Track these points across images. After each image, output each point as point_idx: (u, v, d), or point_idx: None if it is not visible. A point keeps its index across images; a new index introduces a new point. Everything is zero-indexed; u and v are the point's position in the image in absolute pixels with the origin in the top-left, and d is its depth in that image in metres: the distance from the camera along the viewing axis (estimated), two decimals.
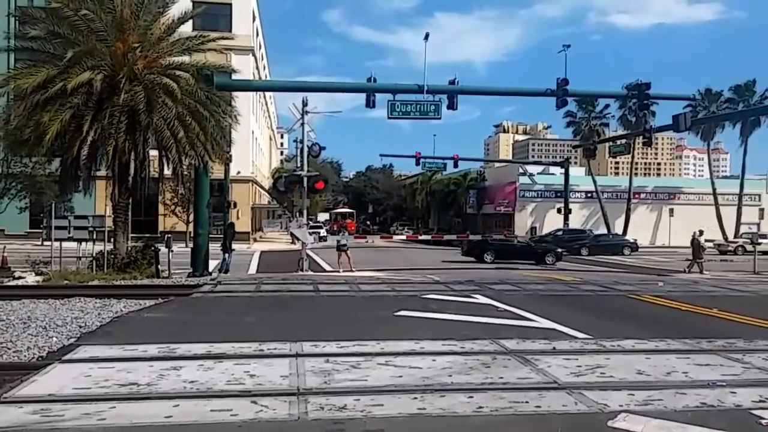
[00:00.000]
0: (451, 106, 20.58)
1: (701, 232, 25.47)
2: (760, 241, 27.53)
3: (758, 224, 49.35)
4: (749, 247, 31.81)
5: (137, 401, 5.78)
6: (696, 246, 24.85)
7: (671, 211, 49.12)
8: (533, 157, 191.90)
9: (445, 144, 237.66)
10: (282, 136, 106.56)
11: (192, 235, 24.21)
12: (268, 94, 65.30)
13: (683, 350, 8.44)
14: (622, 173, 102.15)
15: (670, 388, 6.44)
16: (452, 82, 20.79)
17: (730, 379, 6.83)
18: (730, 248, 40.08)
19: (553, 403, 5.87)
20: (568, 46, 22.94)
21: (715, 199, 51.79)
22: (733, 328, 10.80)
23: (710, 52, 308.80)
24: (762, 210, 50.26)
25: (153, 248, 19.75)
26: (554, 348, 8.48)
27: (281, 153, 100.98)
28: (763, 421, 5.44)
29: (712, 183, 54.06)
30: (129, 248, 19.94)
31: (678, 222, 47.28)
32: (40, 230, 22.75)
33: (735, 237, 46.49)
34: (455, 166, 55.71)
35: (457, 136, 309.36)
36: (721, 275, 23.39)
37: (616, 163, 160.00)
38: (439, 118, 20.94)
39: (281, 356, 7.70)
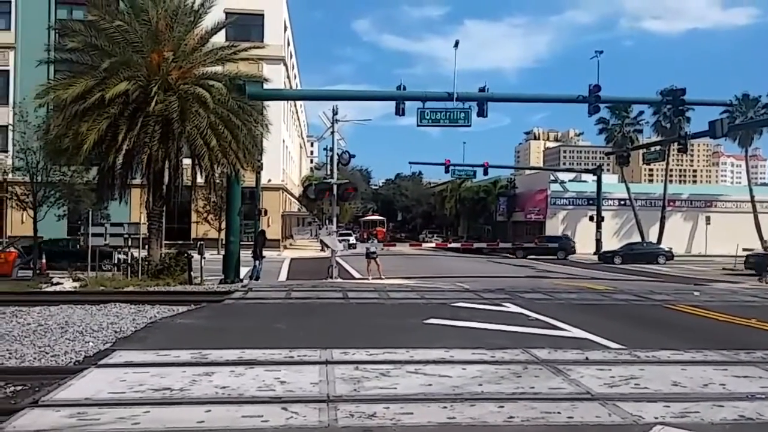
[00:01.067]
0: (481, 113, 20.52)
1: None
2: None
3: None
4: None
5: (170, 406, 5.87)
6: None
7: (707, 219, 47.90)
8: (565, 164, 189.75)
9: (475, 151, 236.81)
10: (312, 145, 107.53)
11: (224, 242, 24.53)
12: (298, 102, 66.01)
13: (720, 361, 8.22)
14: (657, 180, 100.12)
15: (707, 400, 6.27)
16: (482, 90, 20.74)
17: None
18: None
19: (586, 414, 5.77)
20: (601, 52, 22.67)
21: (754, 207, 50.40)
22: None
23: (746, 56, 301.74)
24: None
25: (186, 255, 20.07)
26: (587, 358, 8.34)
27: (311, 161, 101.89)
28: None
29: (750, 190, 52.61)
30: (163, 255, 20.30)
31: (714, 230, 46.10)
32: (78, 237, 23.27)
33: None
34: (485, 173, 55.44)
35: (487, 144, 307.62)
36: (759, 285, 22.71)
37: (650, 170, 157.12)
38: (469, 126, 20.90)
39: (311, 363, 7.74)
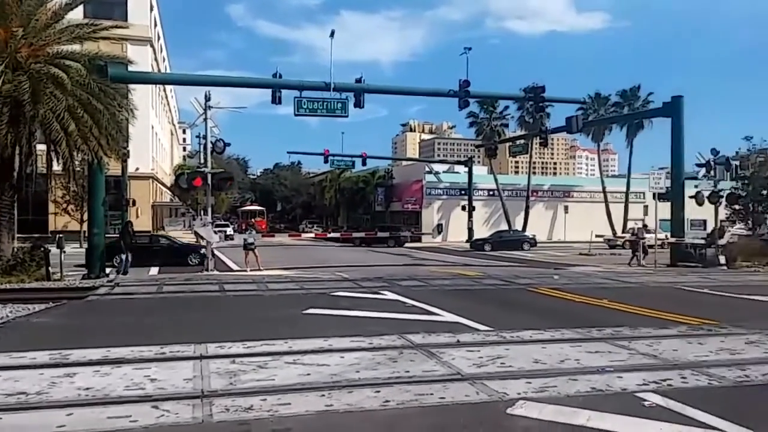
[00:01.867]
0: (358, 104, 20.74)
1: (645, 226, 27.49)
2: (645, 235, 29.62)
3: (642, 220, 53.27)
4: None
5: (26, 411, 5.42)
6: (635, 239, 26.66)
7: (566, 208, 51.94)
8: (439, 155, 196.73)
9: (354, 142, 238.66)
10: (185, 132, 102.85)
11: (86, 234, 22.82)
12: (168, 87, 62.71)
13: (576, 339, 8.98)
14: (522, 172, 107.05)
15: (564, 375, 6.84)
16: (358, 81, 20.95)
17: (617, 364, 7.34)
18: (618, 243, 42.93)
19: (457, 393, 6.08)
20: (469, 48, 23.74)
21: (605, 196, 55.33)
22: (621, 317, 11.57)
23: (600, 57, 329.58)
24: (646, 207, 54.10)
25: (42, 249, 18.46)
26: (458, 341, 8.76)
27: (184, 149, 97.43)
28: (646, 403, 5.89)
29: (602, 182, 57.72)
30: (15, 249, 18.54)
31: (572, 218, 50.09)
32: None
33: (623, 232, 49.87)
34: (363, 164, 56.10)
35: (365, 134, 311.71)
36: (611, 268, 25.04)
37: (517, 162, 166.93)
38: (346, 116, 21.07)
39: (184, 359, 7.46)
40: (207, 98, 22.26)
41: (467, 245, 44.23)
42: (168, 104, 66.93)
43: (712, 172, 25.98)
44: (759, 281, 19.36)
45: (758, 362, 7.53)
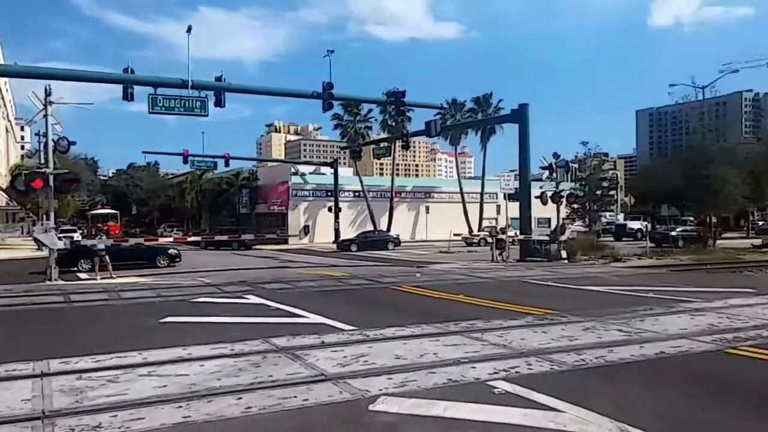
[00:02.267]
0: (219, 103, 20.12)
1: (508, 225, 29.04)
2: (498, 233, 31.66)
3: (496, 219, 56.88)
4: (489, 239, 36.41)
5: None
6: (498, 238, 28.16)
7: (427, 208, 54.10)
8: (305, 157, 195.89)
9: (216, 142, 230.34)
10: (23, 129, 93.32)
11: None
12: (2, 80, 56.60)
13: (435, 333, 9.40)
14: (386, 174, 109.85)
15: (423, 369, 7.13)
16: (219, 79, 20.33)
17: (471, 356, 7.79)
18: (474, 240, 45.47)
19: (320, 394, 6.12)
20: (332, 51, 23.83)
21: (462, 197, 58.32)
22: (476, 311, 12.24)
23: (456, 65, 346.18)
24: (499, 206, 57.85)
25: None
26: (323, 342, 8.81)
27: (22, 147, 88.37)
28: (496, 390, 6.31)
29: (459, 183, 60.80)
30: None
31: (433, 218, 52.26)
32: None
33: (479, 230, 52.87)
34: (227, 165, 54.45)
35: (228, 134, 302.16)
36: (468, 264, 26.45)
37: (381, 164, 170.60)
38: (206, 115, 20.35)
39: (22, 378, 6.80)
40: (47, 92, 20.36)
41: (334, 246, 44.49)
42: (2, 98, 60.38)
43: (554, 174, 28.34)
44: (595, 273, 21.44)
45: (593, 347, 8.36)
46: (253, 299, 14.47)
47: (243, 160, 65.03)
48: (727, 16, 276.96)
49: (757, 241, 40.01)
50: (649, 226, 44.94)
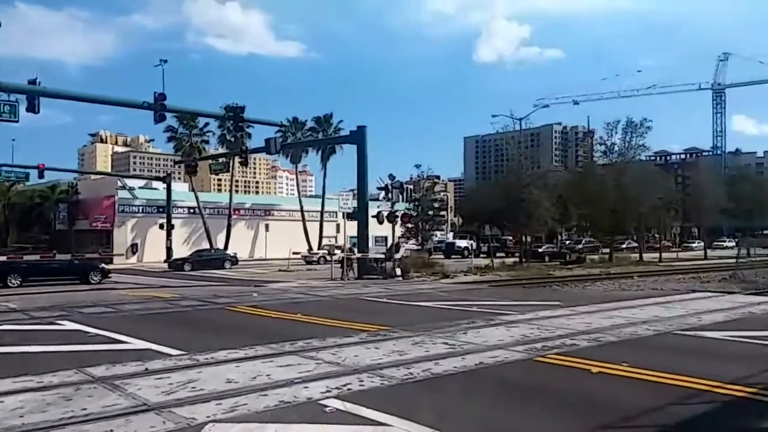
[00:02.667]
0: (32, 108, 18.19)
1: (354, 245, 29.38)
2: (336, 252, 32.15)
3: (336, 237, 57.70)
4: (329, 258, 36.78)
5: None
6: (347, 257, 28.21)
7: (267, 226, 53.29)
8: (135, 170, 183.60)
9: (29, 151, 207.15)
10: None
11: None
12: None
13: (269, 354, 9.25)
14: (224, 190, 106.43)
15: (255, 391, 6.97)
16: (32, 82, 18.41)
17: (304, 375, 7.78)
18: (314, 258, 45.63)
19: (141, 426, 5.72)
20: (165, 61, 22.73)
21: (303, 215, 58.41)
22: (312, 330, 12.23)
23: (298, 84, 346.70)
24: (338, 225, 58.87)
25: None
26: (147, 369, 8.26)
27: None
28: (327, 409, 6.36)
29: (300, 201, 60.88)
30: None
31: (273, 236, 51.57)
32: None
33: (318, 248, 53.20)
34: (41, 176, 49.29)
35: (44, 143, 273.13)
36: (306, 283, 26.44)
37: (219, 180, 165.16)
38: (17, 121, 18.27)
39: None
40: None
41: (165, 265, 42.02)
42: None
43: (390, 195, 29.54)
44: (426, 289, 22.55)
45: (421, 360, 8.77)
46: (68, 325, 13.16)
47: (61, 172, 59.33)
48: (541, 57, 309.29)
49: (565, 258, 44.83)
50: (474, 245, 48.42)
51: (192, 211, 53.61)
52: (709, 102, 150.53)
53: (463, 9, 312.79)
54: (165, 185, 51.81)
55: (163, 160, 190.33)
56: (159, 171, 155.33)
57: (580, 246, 49.38)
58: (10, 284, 23.54)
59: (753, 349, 9.85)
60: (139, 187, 55.88)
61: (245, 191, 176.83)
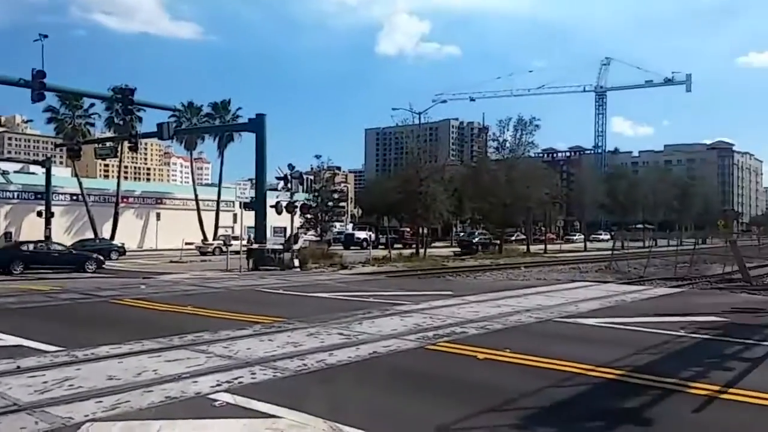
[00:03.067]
0: None
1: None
2: (232, 242, 31.34)
3: (232, 227, 56.20)
4: (224, 248, 35.82)
5: None
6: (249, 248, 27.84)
7: (158, 215, 51.04)
8: (10, 152, 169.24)
9: None
10: None
11: None
12: None
13: (156, 349, 8.88)
14: (112, 177, 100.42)
15: (139, 388, 6.68)
16: None
17: (194, 369, 7.54)
18: (209, 249, 44.25)
19: (11, 427, 5.33)
20: (45, 36, 21.04)
21: (198, 204, 56.39)
22: (204, 323, 11.81)
23: (193, 67, 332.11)
24: (235, 215, 57.35)
25: None
26: (18, 367, 7.68)
27: None
28: (217, 403, 6.22)
29: (195, 190, 58.69)
30: None
31: (165, 226, 49.47)
32: None
33: (214, 239, 51.62)
34: None
35: None
36: (200, 274, 25.61)
37: (106, 165, 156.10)
38: None
39: None
40: None
41: None
42: None
43: (289, 185, 29.18)
44: (324, 280, 22.55)
45: (315, 351, 8.77)
46: None
47: None
48: (440, 53, 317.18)
49: (459, 250, 46.50)
50: (373, 236, 48.98)
51: (75, 198, 50.23)
52: (592, 103, 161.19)
53: (365, 1, 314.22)
54: (44, 170, 48.07)
55: (42, 142, 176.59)
56: (38, 154, 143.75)
57: (476, 239, 51.32)
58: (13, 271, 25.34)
59: (623, 335, 10.71)
60: (15, 171, 51.53)
61: (135, 178, 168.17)
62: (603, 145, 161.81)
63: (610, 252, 37.46)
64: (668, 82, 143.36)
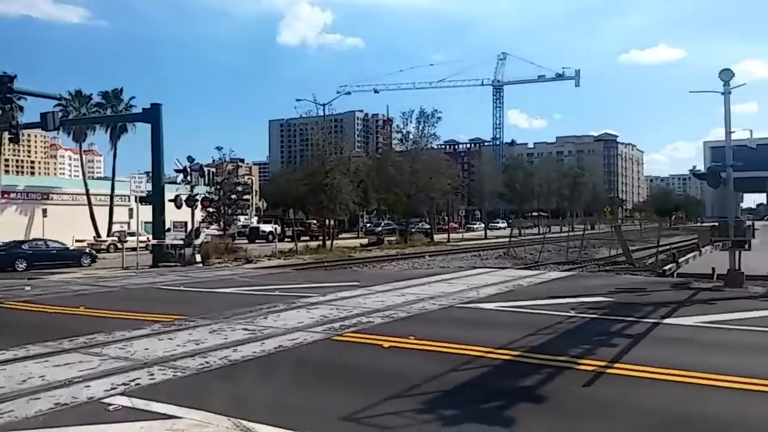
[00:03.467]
0: None
1: None
2: (128, 238, 29.83)
3: (128, 223, 53.44)
4: (119, 245, 34.01)
5: None
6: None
7: (45, 211, 47.45)
8: None
9: None
10: None
11: None
12: None
13: (44, 354, 8.32)
14: None
15: (24, 395, 6.24)
16: None
17: (86, 373, 7.14)
18: (103, 246, 41.88)
19: None
20: None
21: (89, 199, 53.05)
22: (98, 324, 11.17)
23: (81, 54, 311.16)
24: (131, 210, 54.58)
25: None
26: None
27: None
28: (111, 407, 5.92)
29: (85, 184, 55.14)
30: None
31: (53, 222, 46.10)
32: None
33: (108, 235, 48.88)
34: None
35: None
36: (93, 273, 24.19)
37: None
38: None
39: None
40: None
41: None
42: None
43: (189, 178, 28.13)
44: (227, 275, 21.97)
45: (218, 348, 8.55)
46: None
47: None
48: (343, 44, 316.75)
49: (365, 241, 46.85)
50: (279, 229, 48.37)
51: None
52: (490, 97, 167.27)
53: None
54: None
55: None
56: None
57: (380, 228, 51.96)
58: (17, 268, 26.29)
59: (519, 317, 11.25)
60: None
61: (18, 172, 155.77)
62: (501, 137, 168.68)
63: (508, 239, 39.16)
64: (559, 77, 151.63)
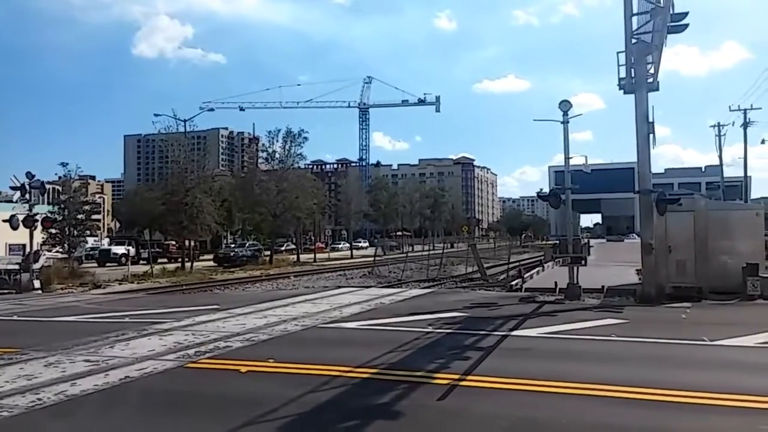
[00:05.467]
0: None
1: None
2: None
3: None
4: None
5: None
6: None
7: None
8: None
9: None
10: None
11: None
12: None
13: None
14: None
15: None
16: None
17: None
18: None
19: None
20: None
21: None
22: None
23: None
24: None
25: None
26: None
27: None
28: None
29: None
30: None
31: None
32: None
33: None
34: None
35: None
36: None
37: None
38: None
39: None
40: None
41: None
42: None
43: (27, 196, 25.58)
44: (71, 302, 20.15)
45: (54, 382, 7.75)
46: None
47: None
48: (204, 59, 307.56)
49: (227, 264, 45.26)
50: (134, 251, 45.42)
51: None
52: (356, 119, 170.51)
53: None
54: None
55: None
56: None
57: (244, 250, 50.22)
58: None
59: (380, 335, 11.42)
60: None
61: None
62: (367, 158, 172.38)
63: (373, 258, 39.84)
64: (421, 102, 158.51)
